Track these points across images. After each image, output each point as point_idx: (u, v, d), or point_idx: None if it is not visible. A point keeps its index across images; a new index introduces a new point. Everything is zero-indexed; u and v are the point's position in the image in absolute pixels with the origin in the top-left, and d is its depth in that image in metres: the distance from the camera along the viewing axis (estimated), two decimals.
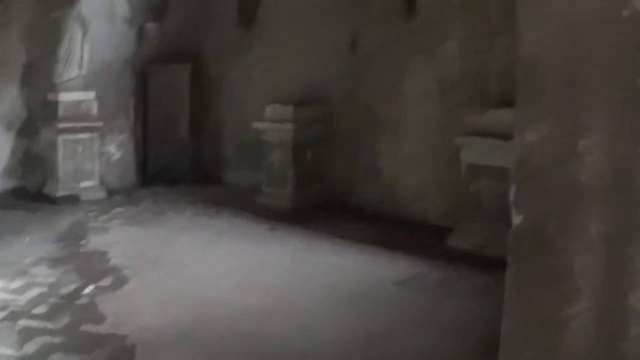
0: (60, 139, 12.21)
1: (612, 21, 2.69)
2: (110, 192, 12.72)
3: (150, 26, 14.05)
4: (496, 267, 7.81)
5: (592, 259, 2.72)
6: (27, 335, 6.49)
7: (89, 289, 7.65)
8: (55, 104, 12.30)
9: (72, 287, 7.72)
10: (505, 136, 8.58)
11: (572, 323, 2.80)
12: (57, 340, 6.40)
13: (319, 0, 12.32)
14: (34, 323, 6.80)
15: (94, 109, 12.65)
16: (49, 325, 6.72)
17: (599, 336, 2.74)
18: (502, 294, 6.36)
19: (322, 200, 11.74)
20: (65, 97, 12.33)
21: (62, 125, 12.18)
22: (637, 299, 2.59)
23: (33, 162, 12.71)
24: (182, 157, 14.06)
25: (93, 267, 8.44)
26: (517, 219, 3.01)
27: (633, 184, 2.60)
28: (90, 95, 12.64)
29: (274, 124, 11.72)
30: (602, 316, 2.72)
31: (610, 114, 2.67)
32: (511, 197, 3.06)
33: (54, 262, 8.64)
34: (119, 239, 9.80)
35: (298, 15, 12.59)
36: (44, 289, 7.65)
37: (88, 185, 12.44)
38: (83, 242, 9.66)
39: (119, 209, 11.65)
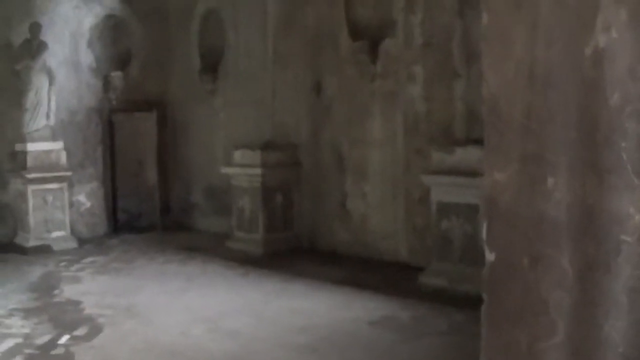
0: (30, 189, 12.22)
1: (575, 59, 2.74)
2: (81, 242, 12.74)
3: (115, 75, 14.10)
4: (469, 304, 7.93)
5: (565, 292, 2.76)
6: None
7: (64, 339, 7.61)
8: (23, 154, 12.34)
9: (47, 337, 7.65)
10: (473, 174, 8.73)
11: (549, 356, 2.83)
12: None
13: (281, 46, 12.43)
14: None
15: (63, 158, 12.69)
16: None
17: None
18: (475, 331, 6.43)
19: (293, 243, 11.83)
20: (34, 147, 12.37)
21: (31, 175, 12.20)
22: (613, 327, 2.64)
23: (3, 212, 12.72)
24: (151, 205, 14.12)
25: (67, 317, 8.37)
26: (490, 256, 3.06)
27: (600, 217, 2.66)
28: (59, 145, 12.69)
29: (242, 169, 11.81)
30: (577, 348, 2.75)
31: (574, 149, 2.73)
32: (483, 234, 3.11)
33: (28, 313, 8.58)
34: (91, 288, 9.77)
35: (260, 60, 12.71)
36: (19, 340, 7.58)
37: (59, 235, 12.46)
38: (56, 292, 9.61)
39: (90, 258, 11.64)
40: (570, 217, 2.75)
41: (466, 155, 9.05)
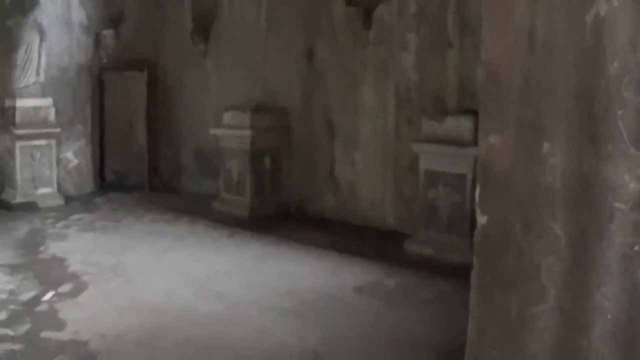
0: (18, 145, 12.16)
1: (575, 27, 2.73)
2: (68, 199, 12.73)
3: (107, 33, 14.04)
4: (455, 274, 8.01)
5: (557, 258, 2.76)
6: None
7: (48, 296, 7.61)
8: (12, 110, 12.26)
9: (31, 293, 7.65)
10: (463, 143, 8.75)
11: (538, 322, 2.84)
12: (17, 347, 6.34)
13: (275, 11, 12.37)
14: None
15: (52, 115, 12.63)
16: (9, 332, 6.65)
17: (565, 335, 2.79)
18: (462, 300, 6.48)
19: (280, 208, 11.83)
20: (23, 103, 12.30)
21: (19, 131, 12.14)
22: (604, 295, 2.65)
23: None
24: (139, 164, 14.09)
25: (52, 274, 8.37)
26: (482, 220, 3.06)
27: (595, 185, 2.66)
28: (48, 101, 12.63)
29: (232, 130, 11.77)
30: (568, 315, 2.75)
31: (572, 118, 2.72)
32: (476, 198, 3.11)
33: (13, 269, 8.58)
34: (77, 246, 9.75)
35: (253, 25, 12.65)
36: (3, 296, 7.57)
37: (46, 192, 12.42)
38: (42, 248, 9.60)
39: (76, 216, 11.63)
40: (565, 184, 2.75)
41: (456, 124, 9.07)
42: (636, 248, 2.59)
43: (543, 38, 2.83)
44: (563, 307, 2.78)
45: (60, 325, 6.85)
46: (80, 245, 9.79)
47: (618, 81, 2.60)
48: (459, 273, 8.29)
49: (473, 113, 9.19)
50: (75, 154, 13.64)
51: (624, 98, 2.59)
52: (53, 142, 12.63)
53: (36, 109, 12.45)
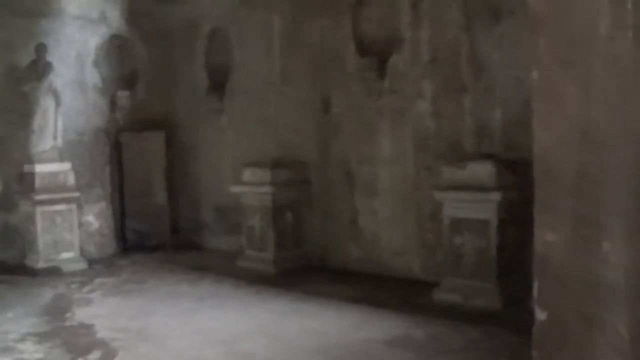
0: (38, 210, 12.18)
1: (630, 121, 2.65)
2: (91, 262, 12.72)
3: (122, 94, 14.12)
4: (483, 320, 7.95)
5: (621, 357, 2.68)
6: None
7: None
8: (31, 176, 12.31)
9: None
10: (484, 188, 8.73)
11: None
12: None
13: (288, 64, 12.43)
14: None
15: (71, 179, 12.66)
16: None
17: None
18: (491, 348, 6.41)
19: (304, 262, 11.81)
20: (41, 168, 12.35)
21: (39, 197, 12.16)
22: None
23: (11, 235, 12.68)
24: (160, 224, 14.10)
25: (80, 341, 8.30)
26: (541, 315, 3.00)
27: None
28: (66, 166, 12.66)
29: (252, 187, 11.78)
30: None
31: (631, 214, 2.63)
32: (534, 293, 3.04)
33: (41, 337, 8.51)
34: (103, 311, 9.71)
35: (267, 79, 12.72)
36: None
37: (68, 256, 12.42)
38: (68, 315, 9.55)
39: (100, 280, 11.61)
40: (628, 282, 2.67)
41: (477, 170, 9.05)
42: None
43: (597, 132, 2.74)
44: None
45: None
46: (106, 310, 9.74)
47: None
48: (487, 319, 8.29)
49: (492, 157, 9.19)
50: (96, 217, 13.69)
51: None
52: (73, 206, 12.66)
53: (55, 173, 12.49)
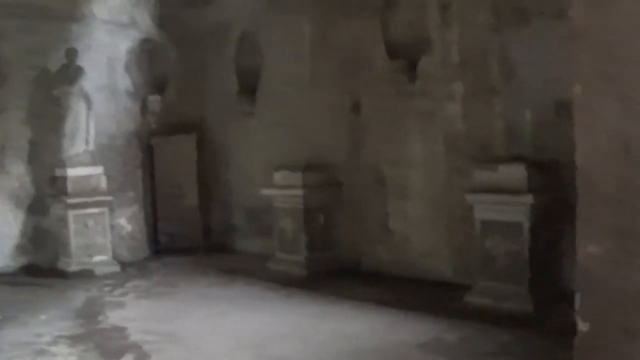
0: (71, 214, 12.31)
1: None
2: (123, 265, 12.81)
3: (153, 99, 14.20)
4: (514, 323, 7.93)
5: None
6: None
7: None
8: (63, 180, 12.44)
9: None
10: (516, 191, 8.70)
11: None
12: None
13: (318, 67, 12.44)
14: None
15: (103, 183, 12.77)
16: None
17: None
18: (521, 352, 6.38)
19: (335, 264, 11.80)
20: (73, 172, 12.46)
21: (71, 200, 12.28)
22: None
23: (44, 238, 12.78)
24: (192, 227, 14.16)
25: (113, 344, 8.35)
26: (583, 327, 2.99)
27: None
28: (98, 169, 12.78)
29: (283, 190, 11.83)
30: None
31: None
32: (576, 305, 3.03)
33: (74, 340, 8.56)
34: (135, 313, 9.76)
35: (297, 82, 12.72)
36: None
37: (101, 259, 12.54)
38: (101, 317, 9.62)
39: (133, 283, 11.69)
40: None
41: (509, 172, 9.03)
42: None
43: (638, 144, 2.74)
44: None
45: None
46: (138, 313, 9.80)
47: None
48: (519, 323, 8.26)
49: (523, 159, 9.16)
50: (128, 220, 13.78)
51: None
52: (105, 209, 12.76)
53: (87, 177, 12.59)
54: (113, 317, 9.61)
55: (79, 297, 10.81)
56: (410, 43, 11.13)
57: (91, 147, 12.78)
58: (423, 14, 10.87)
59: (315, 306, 9.70)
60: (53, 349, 8.29)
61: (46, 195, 12.81)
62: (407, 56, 11.12)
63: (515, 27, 9.65)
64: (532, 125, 9.54)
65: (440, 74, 10.61)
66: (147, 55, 14.43)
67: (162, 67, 14.63)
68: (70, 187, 12.39)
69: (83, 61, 12.93)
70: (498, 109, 9.91)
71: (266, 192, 12.20)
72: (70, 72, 12.73)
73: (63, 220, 12.44)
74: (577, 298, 3.01)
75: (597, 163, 2.92)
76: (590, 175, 2.92)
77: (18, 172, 12.88)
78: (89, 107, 12.80)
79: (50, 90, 12.71)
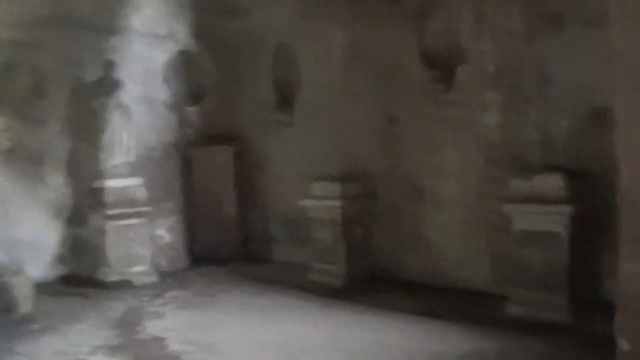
0: (110, 225, 12.38)
1: None
2: (162, 276, 12.88)
3: (191, 110, 14.29)
4: (552, 334, 7.89)
5: None
6: None
7: None
8: (102, 191, 12.50)
9: None
10: (553, 201, 8.68)
11: None
12: None
13: (353, 77, 12.47)
14: None
15: (142, 194, 12.85)
16: None
17: None
18: None
19: (372, 275, 11.82)
20: (112, 184, 12.55)
21: (110, 212, 12.37)
22: None
23: (83, 248, 12.85)
24: (230, 237, 14.23)
25: (151, 355, 8.41)
26: (624, 346, 2.99)
27: None
28: (137, 181, 12.85)
29: (322, 202, 11.83)
30: None
31: None
32: (616, 323, 3.03)
33: (112, 351, 8.61)
34: (175, 324, 9.80)
35: (333, 93, 12.76)
36: None
37: (140, 270, 12.60)
38: (139, 328, 9.66)
39: (172, 293, 11.74)
40: None
41: (546, 182, 9.02)
42: None
43: None
44: None
45: None
46: (177, 324, 9.83)
47: None
48: (557, 333, 8.21)
49: (559, 168, 9.14)
50: (167, 231, 13.86)
51: None
52: (145, 220, 12.82)
53: (126, 188, 12.68)
54: (152, 328, 9.66)
55: (118, 307, 10.88)
56: (445, 52, 11.14)
57: (130, 158, 12.87)
58: (457, 23, 10.88)
59: (351, 316, 9.70)
60: (92, 358, 8.36)
61: (85, 207, 12.87)
62: (442, 66, 11.12)
63: (550, 35, 9.63)
64: (567, 134, 9.52)
65: (475, 83, 10.61)
66: (184, 67, 14.52)
67: (199, 79, 14.72)
68: (109, 198, 12.47)
69: (121, 73, 13.03)
70: (533, 118, 9.89)
71: (305, 202, 12.22)
72: (108, 84, 12.83)
73: (102, 231, 12.49)
74: (617, 317, 3.01)
75: (638, 182, 2.92)
76: (632, 194, 2.92)
77: (57, 183, 12.97)
78: (128, 119, 12.90)
79: (89, 102, 12.81)
